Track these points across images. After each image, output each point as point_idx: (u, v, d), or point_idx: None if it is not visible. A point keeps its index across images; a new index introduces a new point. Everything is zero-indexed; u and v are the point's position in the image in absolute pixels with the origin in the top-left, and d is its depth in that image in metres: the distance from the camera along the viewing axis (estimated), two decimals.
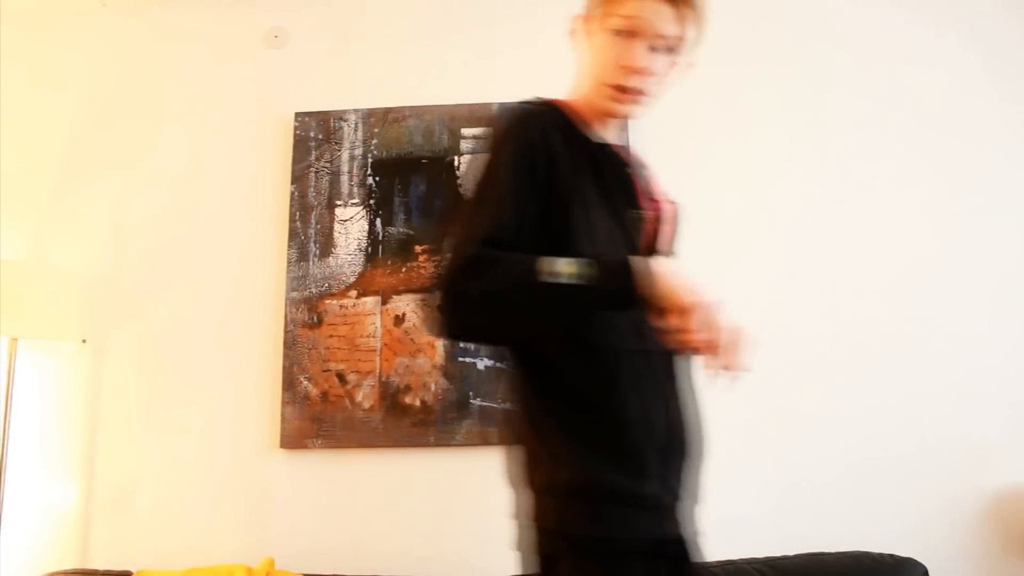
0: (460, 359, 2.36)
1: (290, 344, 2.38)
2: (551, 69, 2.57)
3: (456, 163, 2.49)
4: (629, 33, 1.17)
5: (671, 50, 1.20)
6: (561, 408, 1.10)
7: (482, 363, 2.35)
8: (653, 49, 1.18)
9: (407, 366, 2.36)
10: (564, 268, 1.01)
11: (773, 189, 2.47)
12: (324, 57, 2.63)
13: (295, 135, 2.53)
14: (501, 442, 1.21)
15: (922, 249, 2.42)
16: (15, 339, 2.27)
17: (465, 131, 2.51)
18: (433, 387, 2.34)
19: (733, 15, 2.59)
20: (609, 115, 1.24)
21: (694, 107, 2.51)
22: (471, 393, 2.33)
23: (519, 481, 1.15)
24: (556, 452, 1.09)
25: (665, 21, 1.17)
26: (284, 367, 2.37)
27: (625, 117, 1.24)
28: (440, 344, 2.37)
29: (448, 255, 1.07)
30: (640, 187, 1.25)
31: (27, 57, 2.67)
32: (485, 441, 2.30)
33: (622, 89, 1.19)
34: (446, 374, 2.35)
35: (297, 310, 2.41)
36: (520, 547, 1.15)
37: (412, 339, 2.38)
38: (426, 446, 2.32)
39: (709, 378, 1.06)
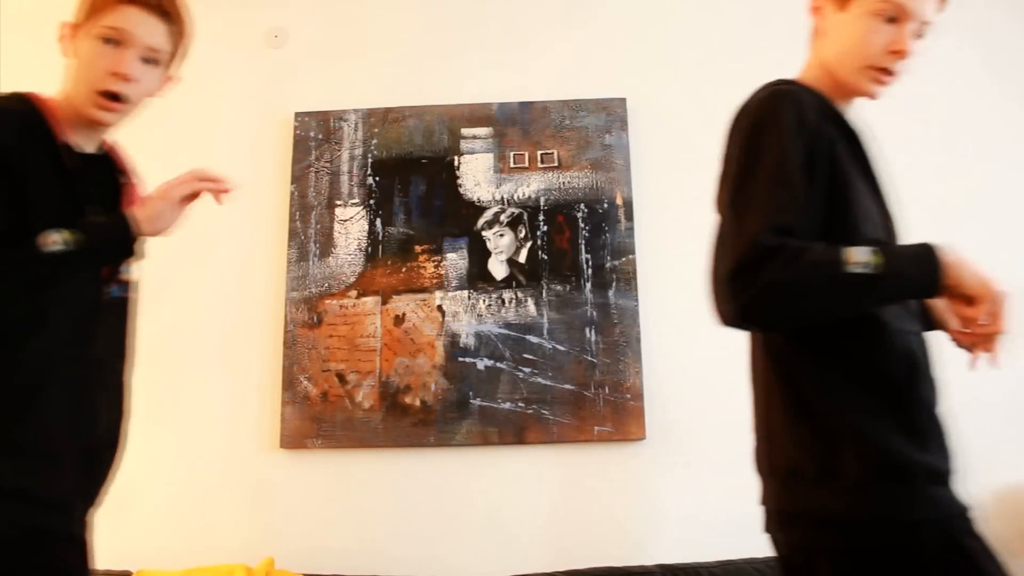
0: (460, 359, 2.36)
1: (290, 344, 2.38)
2: (551, 68, 2.58)
3: (456, 163, 2.49)
4: (891, 17, 1.18)
5: (919, 35, 1.22)
6: (854, 390, 1.09)
7: (482, 363, 2.35)
8: (912, 33, 1.20)
9: (407, 366, 2.36)
10: (865, 258, 1.01)
11: None
12: (324, 57, 2.62)
13: (295, 135, 2.53)
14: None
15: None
16: None
17: (465, 131, 2.51)
18: (433, 387, 2.34)
19: (728, 17, 2.60)
20: (860, 95, 1.25)
21: (696, 108, 2.52)
22: (471, 393, 2.33)
23: (783, 470, 1.13)
24: (846, 437, 1.07)
25: (922, 5, 1.18)
26: (284, 367, 2.37)
27: (873, 98, 1.25)
28: (440, 344, 2.37)
29: (729, 241, 1.06)
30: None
31: (27, 57, 2.67)
32: (485, 441, 2.30)
33: (884, 72, 1.20)
34: (446, 374, 2.35)
35: (297, 310, 2.41)
36: (780, 539, 1.13)
37: (412, 339, 2.38)
38: (426, 446, 2.32)
39: (976, 364, 1.13)
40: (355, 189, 2.49)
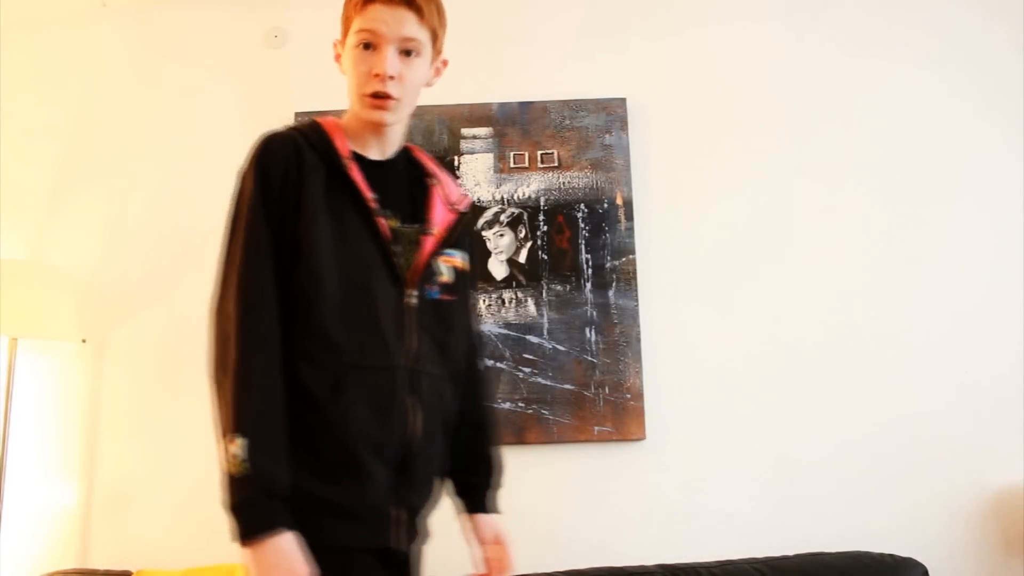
0: None
1: None
2: (551, 68, 2.58)
3: (456, 163, 2.49)
4: (367, 44, 1.29)
5: (411, 52, 1.31)
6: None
7: (481, 363, 2.34)
8: (394, 53, 1.30)
9: None
10: (240, 453, 1.13)
11: (774, 191, 2.48)
12: (324, 57, 2.61)
13: None
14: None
15: (921, 247, 2.43)
16: (15, 339, 2.27)
17: (465, 131, 2.51)
18: None
19: (728, 17, 2.60)
20: (370, 123, 1.32)
21: (696, 108, 2.52)
22: None
23: None
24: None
25: (394, 26, 1.29)
26: None
27: (381, 124, 1.31)
28: None
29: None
30: None
31: (27, 57, 2.67)
32: None
33: (375, 96, 1.27)
34: None
35: None
36: None
37: None
38: None
39: None
40: None
